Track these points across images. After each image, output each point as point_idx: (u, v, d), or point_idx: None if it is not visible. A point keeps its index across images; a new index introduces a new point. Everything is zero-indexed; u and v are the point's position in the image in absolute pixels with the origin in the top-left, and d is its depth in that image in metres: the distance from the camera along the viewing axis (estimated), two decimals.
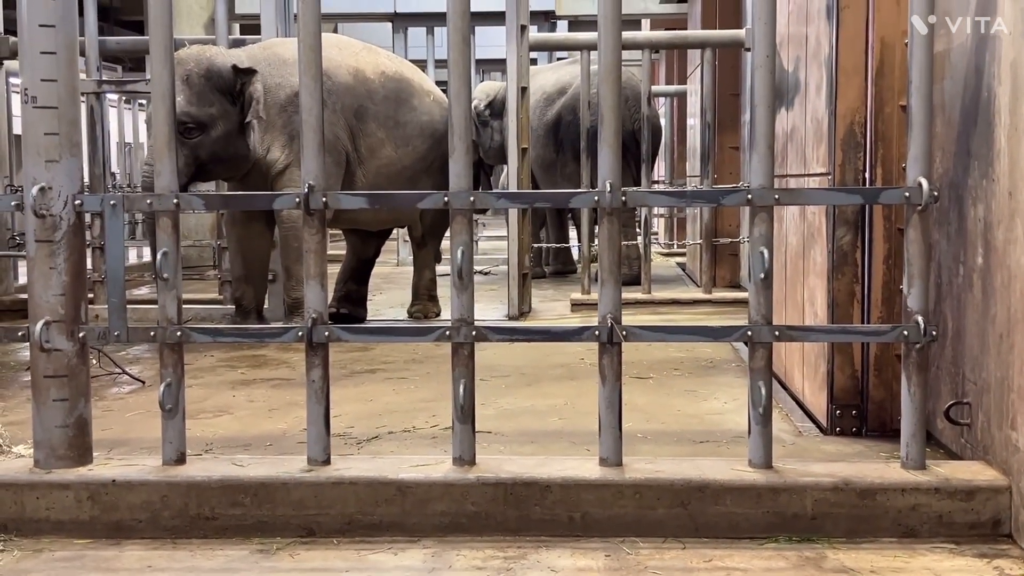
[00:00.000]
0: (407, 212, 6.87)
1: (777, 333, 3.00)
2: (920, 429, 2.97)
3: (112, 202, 3.07)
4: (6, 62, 7.73)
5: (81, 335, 3.08)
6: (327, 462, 3.08)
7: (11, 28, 7.63)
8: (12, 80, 8.63)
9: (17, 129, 10.83)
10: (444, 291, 8.57)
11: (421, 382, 4.99)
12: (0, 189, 7.83)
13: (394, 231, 8.51)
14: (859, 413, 3.82)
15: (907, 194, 2.92)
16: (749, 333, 2.99)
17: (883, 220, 3.71)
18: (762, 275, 2.95)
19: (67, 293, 3.05)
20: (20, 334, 3.16)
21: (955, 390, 3.26)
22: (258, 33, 7.29)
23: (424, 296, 7.19)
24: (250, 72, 5.94)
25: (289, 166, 6.11)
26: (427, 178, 6.76)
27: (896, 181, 3.61)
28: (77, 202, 3.04)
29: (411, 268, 11.02)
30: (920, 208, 2.90)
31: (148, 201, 3.09)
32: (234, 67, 5.93)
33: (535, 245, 9.05)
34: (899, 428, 3.04)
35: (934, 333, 2.92)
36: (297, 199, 3.08)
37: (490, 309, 7.34)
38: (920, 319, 2.92)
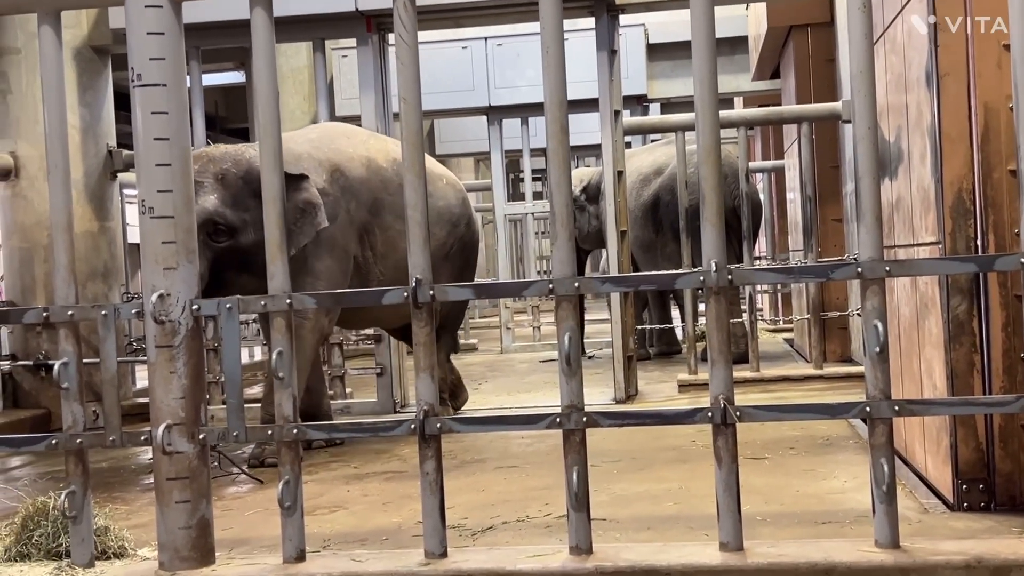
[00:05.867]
0: None
1: (897, 408, 2.93)
2: None
3: (228, 305, 3.16)
4: (120, 175, 8.04)
5: (201, 437, 3.14)
6: (444, 555, 3.07)
7: (122, 142, 7.96)
8: (126, 191, 8.97)
9: (130, 238, 11.23)
10: (544, 376, 8.60)
11: (532, 470, 4.97)
12: (117, 297, 8.10)
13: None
14: (987, 487, 3.69)
15: (1023, 260, 2.85)
16: (868, 409, 2.92)
17: (999, 287, 3.61)
18: (877, 349, 2.89)
19: (187, 396, 3.12)
20: (143, 438, 3.24)
21: None
22: None
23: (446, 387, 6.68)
24: (301, 178, 5.43)
25: (295, 276, 5.52)
26: (447, 265, 6.35)
27: (1009, 247, 3.52)
28: (194, 307, 3.14)
29: (516, 355, 11.01)
30: None
31: (262, 303, 3.17)
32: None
33: (639, 327, 9.01)
34: None
35: None
36: (405, 293, 3.13)
37: (596, 393, 7.29)
38: None
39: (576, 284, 3.06)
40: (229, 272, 5.41)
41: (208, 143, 6.56)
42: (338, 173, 5.82)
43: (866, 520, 3.06)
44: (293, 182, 5.36)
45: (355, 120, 7.50)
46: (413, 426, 3.09)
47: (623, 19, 7.65)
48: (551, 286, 3.07)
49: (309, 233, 5.45)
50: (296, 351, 5.27)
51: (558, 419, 3.06)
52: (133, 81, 3.13)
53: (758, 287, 10.87)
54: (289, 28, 6.90)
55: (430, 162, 6.47)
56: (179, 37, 3.16)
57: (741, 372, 7.22)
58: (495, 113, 12.12)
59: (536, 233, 15.40)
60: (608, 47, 7.07)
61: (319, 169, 5.72)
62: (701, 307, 8.45)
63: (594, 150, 12.58)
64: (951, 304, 3.69)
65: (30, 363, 7.55)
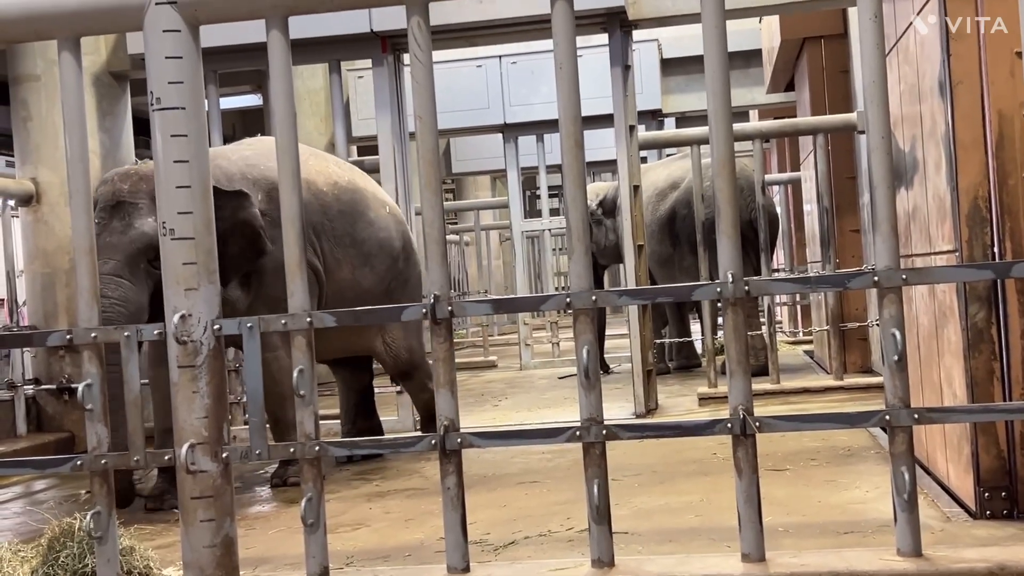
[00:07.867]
0: (368, 338, 6.04)
1: (917, 416, 2.93)
2: None
3: (249, 325, 3.19)
4: None
5: (225, 455, 3.17)
6: (467, 570, 3.08)
7: None
8: None
9: None
10: (564, 392, 8.59)
11: (553, 485, 4.98)
12: None
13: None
14: (1009, 494, 3.68)
15: None
16: (887, 417, 2.92)
17: (1017, 294, 3.61)
18: (896, 357, 2.89)
19: (210, 415, 3.15)
20: (167, 458, 3.27)
21: None
22: (375, 154, 7.53)
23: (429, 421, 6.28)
24: (240, 195, 5.06)
25: (251, 306, 5.17)
26: (386, 301, 5.72)
27: None
28: (216, 327, 3.16)
29: (536, 372, 10.98)
30: None
31: (283, 321, 3.19)
32: (217, 189, 4.80)
33: (657, 341, 9.01)
34: None
35: None
36: (424, 309, 3.15)
37: (616, 407, 7.30)
38: None
39: (594, 297, 3.08)
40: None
41: (136, 161, 6.23)
42: (276, 192, 5.40)
43: (888, 530, 3.05)
44: (229, 200, 4.97)
45: (372, 140, 7.56)
46: (433, 441, 3.10)
47: (636, 35, 7.69)
48: (569, 300, 3.09)
49: (251, 259, 5.16)
50: (279, 375, 5.08)
51: (578, 432, 3.07)
52: (152, 105, 3.17)
53: (777, 299, 10.87)
54: (305, 50, 6.96)
55: (375, 187, 6.21)
56: (197, 61, 3.20)
57: (761, 384, 7.22)
58: (510, 131, 12.16)
59: (553, 249, 15.41)
60: (622, 62, 7.10)
61: (254, 189, 5.28)
62: (720, 321, 8.46)
63: (610, 165, 12.60)
64: (969, 312, 3.69)
65: (53, 387, 7.61)
